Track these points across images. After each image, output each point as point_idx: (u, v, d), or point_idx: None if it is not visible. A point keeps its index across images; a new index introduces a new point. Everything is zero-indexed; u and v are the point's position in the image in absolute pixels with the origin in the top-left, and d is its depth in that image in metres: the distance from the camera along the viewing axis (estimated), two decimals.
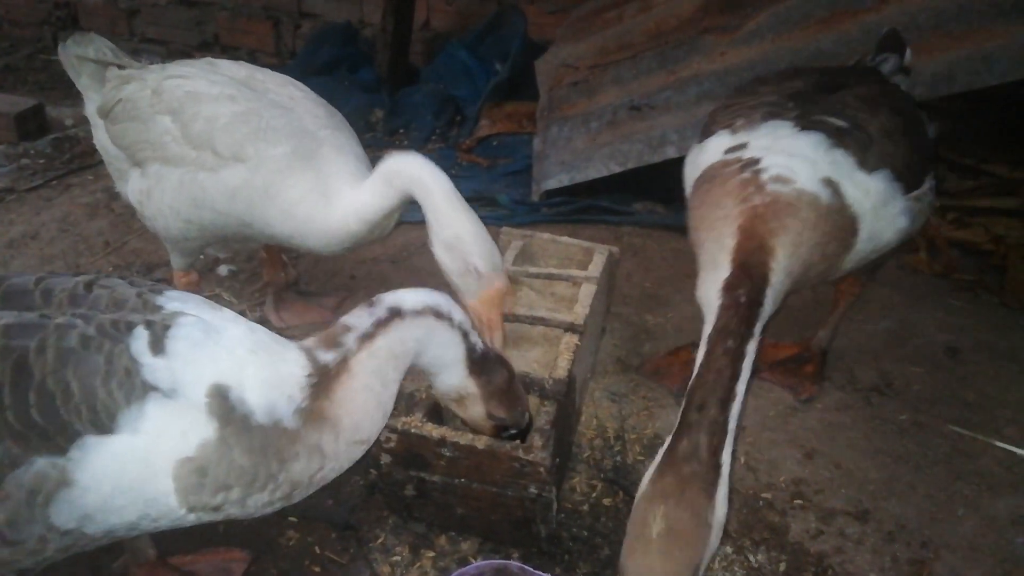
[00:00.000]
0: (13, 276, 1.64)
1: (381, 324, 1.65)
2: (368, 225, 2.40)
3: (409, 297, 1.70)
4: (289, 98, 2.55)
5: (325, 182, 2.39)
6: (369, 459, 2.41)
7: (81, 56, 2.70)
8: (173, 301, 1.64)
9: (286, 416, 1.56)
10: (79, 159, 4.22)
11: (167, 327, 1.53)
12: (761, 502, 2.37)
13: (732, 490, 2.37)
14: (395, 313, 1.66)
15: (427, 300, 1.71)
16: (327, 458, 1.63)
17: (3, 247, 3.45)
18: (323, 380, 1.61)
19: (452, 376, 1.82)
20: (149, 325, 1.52)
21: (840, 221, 2.09)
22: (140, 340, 1.49)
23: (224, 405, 1.50)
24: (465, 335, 1.78)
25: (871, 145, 2.15)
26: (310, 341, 1.67)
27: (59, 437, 1.41)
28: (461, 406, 1.93)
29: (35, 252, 3.44)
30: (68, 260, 3.40)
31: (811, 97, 2.27)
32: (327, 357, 1.62)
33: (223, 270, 3.39)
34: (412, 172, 2.28)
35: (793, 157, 2.09)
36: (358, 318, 1.66)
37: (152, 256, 3.43)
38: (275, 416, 1.55)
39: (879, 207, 2.15)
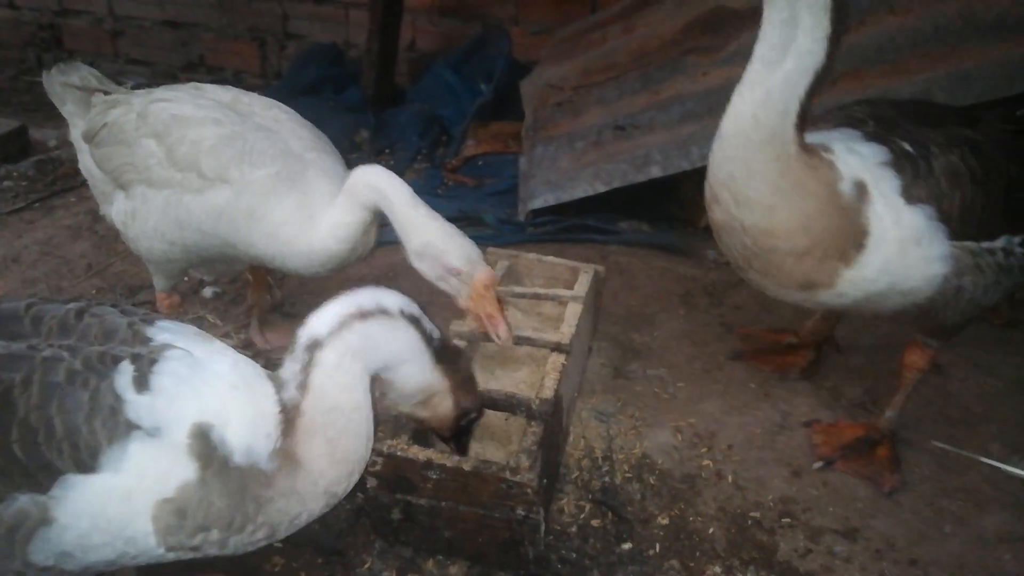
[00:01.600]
0: (3, 301, 1.62)
1: (307, 367, 1.55)
2: (346, 244, 2.40)
3: (320, 322, 1.57)
4: (275, 120, 2.55)
5: (310, 205, 2.39)
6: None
7: (66, 84, 2.70)
8: (164, 332, 1.62)
9: (263, 458, 1.54)
10: (62, 181, 4.19)
11: (153, 361, 1.52)
12: (749, 521, 2.36)
13: (719, 509, 2.38)
14: (314, 347, 1.55)
15: (342, 311, 1.57)
16: (307, 500, 1.60)
17: None
18: (289, 418, 1.57)
19: (418, 372, 1.68)
20: (135, 359, 1.51)
21: (843, 220, 2.06)
22: (125, 375, 1.48)
23: (205, 446, 1.49)
24: (414, 321, 1.62)
25: (926, 178, 2.09)
26: (276, 373, 1.62)
27: (41, 474, 1.39)
28: (428, 407, 1.80)
29: (17, 275, 3.41)
30: (50, 283, 3.37)
31: (894, 121, 2.24)
32: (285, 395, 1.57)
33: (208, 292, 3.37)
34: (371, 182, 2.31)
35: (849, 148, 2.11)
36: (287, 368, 1.58)
37: (135, 279, 3.40)
38: (252, 458, 1.53)
39: (907, 242, 2.08)
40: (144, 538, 1.47)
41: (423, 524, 2.13)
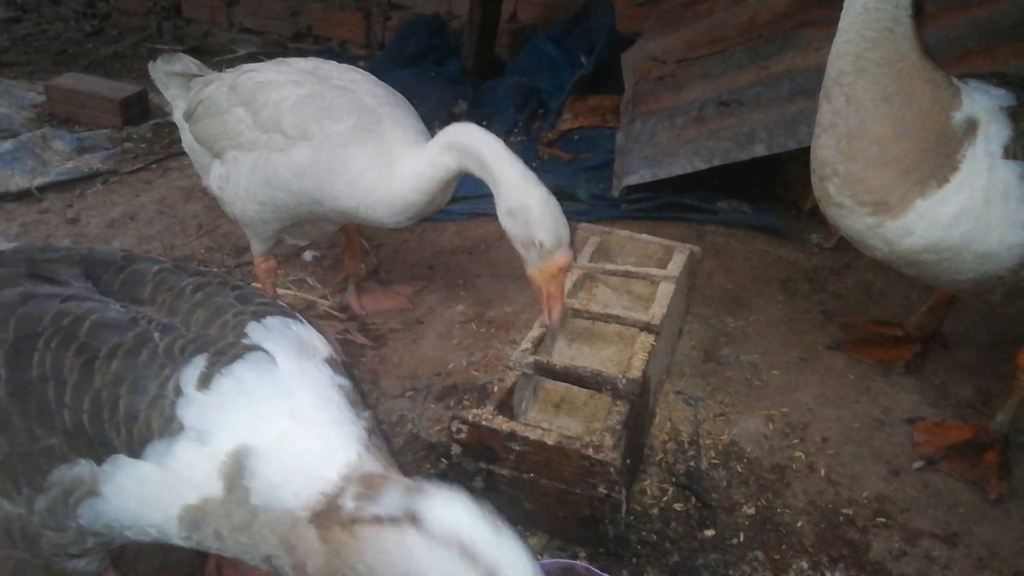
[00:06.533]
0: (141, 260, 1.66)
1: (389, 521, 1.25)
2: (425, 195, 2.44)
3: (444, 506, 1.23)
4: (351, 81, 2.67)
5: (386, 154, 2.47)
6: (441, 449, 2.43)
7: (169, 71, 2.96)
8: (263, 331, 1.55)
9: (278, 510, 1.38)
10: (177, 144, 4.38)
11: (231, 361, 1.46)
12: (841, 517, 2.27)
13: (809, 503, 2.30)
14: (410, 519, 1.23)
15: (463, 521, 1.21)
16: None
17: (105, 227, 3.63)
18: (327, 515, 1.34)
19: None
20: (215, 354, 1.47)
21: (938, 147, 2.00)
22: (195, 370, 1.45)
23: (237, 471, 1.41)
24: None
25: None
26: (365, 466, 1.40)
27: (100, 448, 1.44)
28: None
29: (134, 232, 3.61)
30: (164, 241, 3.55)
31: (1020, 85, 2.19)
32: (346, 503, 1.32)
33: (307, 256, 3.48)
34: (469, 141, 2.31)
35: (981, 89, 2.10)
36: (389, 489, 1.29)
37: (241, 240, 3.54)
38: (269, 502, 1.40)
39: (994, 195, 2.01)
40: (170, 529, 1.48)
41: (505, 494, 2.15)
